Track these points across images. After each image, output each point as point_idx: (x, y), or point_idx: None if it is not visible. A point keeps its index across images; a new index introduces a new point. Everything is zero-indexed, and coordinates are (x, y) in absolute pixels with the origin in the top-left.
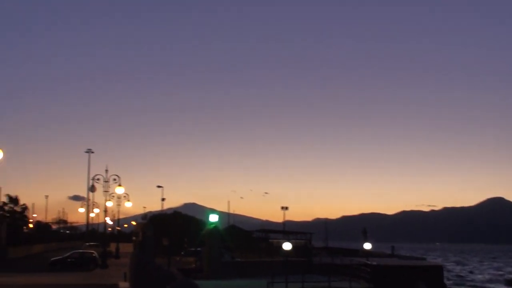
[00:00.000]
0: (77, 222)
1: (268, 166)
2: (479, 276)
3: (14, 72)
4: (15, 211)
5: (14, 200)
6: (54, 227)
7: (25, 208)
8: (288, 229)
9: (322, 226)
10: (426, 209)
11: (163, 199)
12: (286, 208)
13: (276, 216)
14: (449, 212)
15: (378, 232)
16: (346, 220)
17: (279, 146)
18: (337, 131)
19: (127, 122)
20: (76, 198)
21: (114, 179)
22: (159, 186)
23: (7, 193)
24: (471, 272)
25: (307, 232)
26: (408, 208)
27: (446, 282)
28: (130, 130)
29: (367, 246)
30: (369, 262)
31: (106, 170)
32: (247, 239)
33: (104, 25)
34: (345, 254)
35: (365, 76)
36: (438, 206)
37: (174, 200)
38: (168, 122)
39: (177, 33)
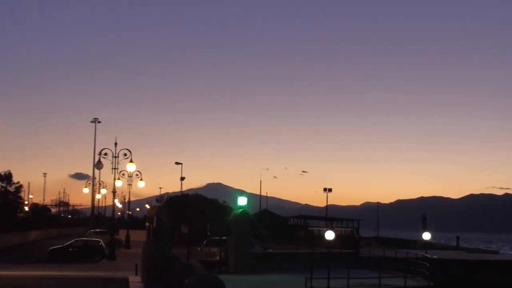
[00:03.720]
0: (80, 205)
1: (306, 141)
2: None
3: (4, 30)
4: (8, 191)
5: (6, 177)
6: (53, 210)
7: (19, 187)
8: (332, 215)
9: (373, 211)
10: (499, 192)
11: (182, 178)
12: (330, 190)
13: (317, 200)
14: None
15: (440, 219)
16: (402, 205)
17: (319, 117)
18: (392, 101)
19: (140, 88)
20: (79, 176)
21: (125, 154)
22: (177, 163)
23: None
24: None
25: (354, 219)
26: (477, 191)
27: None
28: (144, 97)
29: (427, 236)
30: (428, 256)
31: (115, 144)
32: (282, 227)
33: None
34: (399, 246)
35: (420, 46)
36: None
37: (196, 179)
38: (190, 88)
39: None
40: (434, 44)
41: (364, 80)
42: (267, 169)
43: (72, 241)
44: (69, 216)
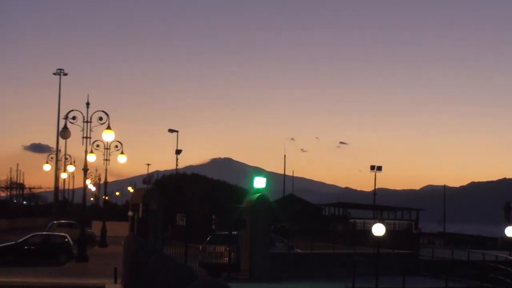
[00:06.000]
0: (39, 187)
1: (344, 103)
2: None
3: None
4: None
5: None
6: (3, 194)
7: None
8: (381, 203)
9: (438, 198)
10: None
11: (178, 152)
12: (379, 168)
13: (361, 182)
14: None
15: None
16: (477, 190)
17: (362, 73)
18: (465, 56)
19: (122, 35)
20: (37, 148)
21: (100, 118)
22: (171, 131)
23: None
24: None
25: (412, 208)
26: None
27: None
28: (125, 47)
29: (511, 231)
30: None
31: (87, 104)
32: (314, 218)
33: None
34: (473, 245)
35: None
36: None
37: (197, 154)
38: (189, 35)
39: None
40: None
41: (428, 32)
42: (292, 139)
43: (28, 236)
44: (24, 203)
